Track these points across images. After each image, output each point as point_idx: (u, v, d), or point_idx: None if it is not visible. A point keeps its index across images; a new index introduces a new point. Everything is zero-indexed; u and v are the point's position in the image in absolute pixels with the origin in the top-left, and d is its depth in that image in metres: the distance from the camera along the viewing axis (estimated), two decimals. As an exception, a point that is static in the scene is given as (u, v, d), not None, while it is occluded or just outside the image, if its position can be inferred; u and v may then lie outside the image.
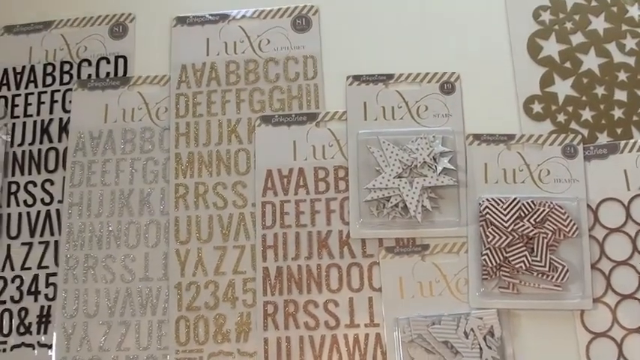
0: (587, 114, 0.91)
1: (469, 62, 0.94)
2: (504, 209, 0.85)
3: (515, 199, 0.86)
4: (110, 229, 0.91)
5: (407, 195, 0.87)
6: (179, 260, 0.89)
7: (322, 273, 0.87)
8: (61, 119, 0.96)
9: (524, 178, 0.88)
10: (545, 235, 0.84)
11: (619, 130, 0.91)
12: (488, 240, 0.85)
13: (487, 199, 0.86)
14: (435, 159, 0.88)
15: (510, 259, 0.84)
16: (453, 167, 0.88)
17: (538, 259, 0.84)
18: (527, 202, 0.86)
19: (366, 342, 0.85)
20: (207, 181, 0.92)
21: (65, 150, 0.95)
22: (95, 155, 0.94)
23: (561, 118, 0.91)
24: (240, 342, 0.86)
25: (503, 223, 0.84)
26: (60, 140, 0.95)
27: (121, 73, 0.97)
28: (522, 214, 0.85)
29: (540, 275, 0.84)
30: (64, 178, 0.94)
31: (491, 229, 0.85)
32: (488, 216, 0.85)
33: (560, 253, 0.86)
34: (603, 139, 0.90)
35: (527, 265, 0.84)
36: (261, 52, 0.96)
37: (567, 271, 0.84)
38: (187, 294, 0.88)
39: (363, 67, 0.94)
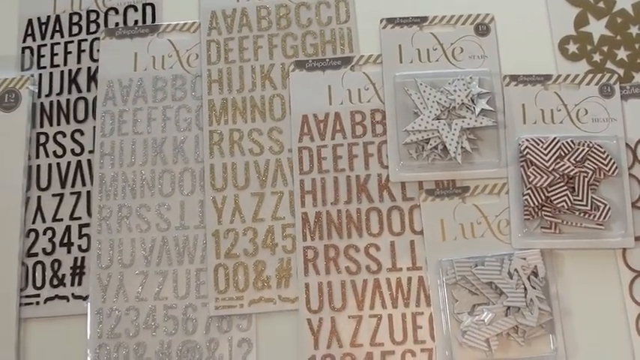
0: (622, 53, 0.88)
1: (503, 3, 0.91)
2: (544, 149, 0.82)
3: (555, 138, 0.83)
4: (144, 178, 0.87)
5: (446, 137, 0.83)
6: (216, 208, 0.85)
7: (362, 217, 0.84)
8: (89, 68, 0.92)
9: (562, 118, 0.85)
10: (585, 174, 0.81)
11: (655, 69, 0.87)
12: (530, 180, 0.81)
13: (527, 140, 0.83)
14: (472, 100, 0.85)
15: (552, 198, 0.81)
16: (491, 108, 0.85)
17: (580, 198, 0.81)
18: (567, 142, 0.82)
19: (409, 285, 0.82)
20: (241, 127, 0.88)
21: (94, 100, 0.90)
22: (126, 104, 0.89)
23: (597, 57, 0.88)
24: (282, 288, 0.83)
25: (544, 163, 0.81)
26: (89, 90, 0.91)
27: (149, 21, 0.93)
28: (562, 154, 0.82)
29: (582, 214, 0.81)
30: (94, 127, 0.89)
31: (533, 169, 0.82)
32: (528, 156, 0.82)
33: (601, 192, 0.83)
34: (638, 78, 0.87)
35: (569, 204, 0.81)
36: (293, -3, 0.92)
37: (609, 209, 0.81)
38: (225, 241, 0.84)
39: (397, 10, 0.90)
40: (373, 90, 0.87)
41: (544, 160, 0.81)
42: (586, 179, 0.81)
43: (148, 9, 0.93)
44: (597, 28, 0.89)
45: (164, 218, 0.86)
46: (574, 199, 0.81)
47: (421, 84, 0.85)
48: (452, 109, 0.85)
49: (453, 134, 0.84)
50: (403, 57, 0.88)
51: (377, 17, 0.90)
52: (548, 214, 0.82)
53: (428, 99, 0.85)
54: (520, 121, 0.85)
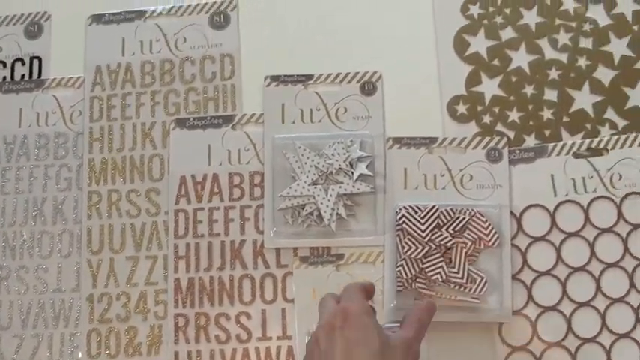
0: (514, 115, 0.82)
1: (393, 60, 0.85)
2: (422, 218, 0.77)
3: (434, 207, 0.78)
4: (23, 238, 0.84)
5: (321, 203, 0.79)
6: (91, 271, 0.83)
7: (235, 284, 0.81)
8: (-27, 124, 0.89)
9: (445, 184, 0.80)
10: (464, 245, 0.77)
11: (547, 132, 0.81)
12: (404, 250, 0.77)
13: (404, 208, 0.78)
14: (352, 165, 0.80)
15: (427, 270, 0.76)
16: (370, 173, 0.80)
17: (455, 270, 0.76)
18: (447, 210, 0.78)
19: (277, 355, 0.79)
20: (120, 188, 0.84)
21: (-22, 157, 0.87)
22: (9, 162, 0.87)
23: (487, 119, 0.82)
24: (152, 355, 0.80)
25: (420, 233, 0.77)
26: (-27, 146, 0.88)
27: (36, 74, 0.89)
28: (441, 223, 0.77)
29: (457, 287, 0.77)
30: (-21, 185, 0.87)
31: (408, 238, 0.77)
32: (404, 225, 0.77)
33: (481, 263, 0.78)
34: (531, 141, 0.81)
35: (444, 276, 0.76)
36: (178, 51, 0.88)
37: (486, 282, 0.76)
38: (99, 305, 0.82)
39: (283, 67, 0.85)
40: (254, 151, 0.83)
41: (420, 229, 0.77)
42: (464, 250, 0.77)
43: (35, 62, 0.89)
44: (490, 87, 0.83)
45: (42, 280, 0.83)
46: (449, 271, 0.76)
47: (299, 147, 0.81)
48: (330, 173, 0.80)
49: (329, 200, 0.79)
50: (285, 117, 0.83)
51: (262, 74, 0.85)
52: (422, 285, 0.77)
53: (305, 163, 0.80)
54: (401, 187, 0.80)
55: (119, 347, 0.81)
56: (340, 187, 0.80)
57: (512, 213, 0.79)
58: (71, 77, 0.88)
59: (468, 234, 0.77)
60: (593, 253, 0.78)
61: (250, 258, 0.81)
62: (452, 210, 0.78)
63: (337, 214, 0.79)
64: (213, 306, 0.80)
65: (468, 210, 0.78)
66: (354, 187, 0.80)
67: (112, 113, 0.86)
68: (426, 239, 0.76)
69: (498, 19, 0.85)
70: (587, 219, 0.79)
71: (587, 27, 0.84)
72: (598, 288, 0.77)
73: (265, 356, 0.79)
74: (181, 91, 0.86)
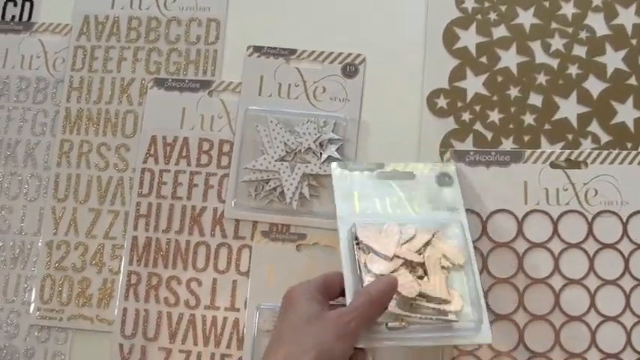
0: (494, 115, 0.78)
1: (379, 45, 0.81)
2: (385, 237, 0.67)
3: (393, 224, 0.68)
4: (-7, 178, 0.83)
5: (286, 180, 0.77)
6: (54, 217, 0.81)
7: (190, 249, 0.79)
8: (-41, 60, 0.88)
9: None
10: (437, 260, 0.67)
11: (526, 138, 0.77)
12: (368, 267, 0.65)
13: (362, 226, 0.67)
14: (322, 145, 0.77)
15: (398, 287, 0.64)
16: (338, 156, 0.77)
17: (432, 285, 0.65)
18: (408, 229, 0.68)
19: (223, 326, 0.77)
20: (92, 140, 0.83)
21: (-39, 92, 0.86)
22: (-11, 102, 0.85)
23: (466, 116, 0.78)
24: (101, 308, 0.79)
25: (386, 249, 0.66)
26: (-43, 81, 0.87)
27: (26, 17, 0.87)
28: (402, 240, 0.67)
29: (435, 304, 0.65)
30: (-45, 123, 0.86)
31: (372, 256, 0.66)
32: (366, 243, 0.67)
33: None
34: (508, 145, 0.77)
35: (416, 292, 0.64)
36: (166, 10, 0.85)
37: (461, 298, 0.66)
38: (57, 252, 0.81)
39: (268, 39, 0.82)
40: (227, 119, 0.81)
41: (386, 246, 0.66)
42: (438, 265, 0.67)
43: (27, 5, 0.88)
44: (474, 84, 0.79)
45: (5, 220, 0.82)
46: (425, 288, 0.65)
47: (272, 121, 0.78)
48: (298, 152, 0.77)
49: (294, 179, 0.77)
50: (263, 89, 0.81)
51: (246, 43, 0.82)
52: (392, 305, 0.64)
53: (275, 138, 0.78)
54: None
55: (70, 296, 0.80)
56: (307, 167, 0.77)
57: (478, 215, 0.75)
58: (59, 24, 0.87)
59: (434, 251, 0.67)
60: (557, 266, 0.74)
61: (209, 226, 0.79)
62: (414, 227, 0.68)
63: (300, 193, 0.77)
64: (166, 268, 0.79)
65: (430, 230, 0.68)
66: (320, 168, 0.77)
67: (94, 65, 0.85)
68: (392, 256, 0.66)
69: (492, 16, 0.80)
70: (555, 231, 0.75)
71: (583, 34, 0.79)
72: (556, 303, 0.73)
73: (211, 325, 0.77)
74: (164, 51, 0.84)
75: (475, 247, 0.74)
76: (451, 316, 0.65)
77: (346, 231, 0.67)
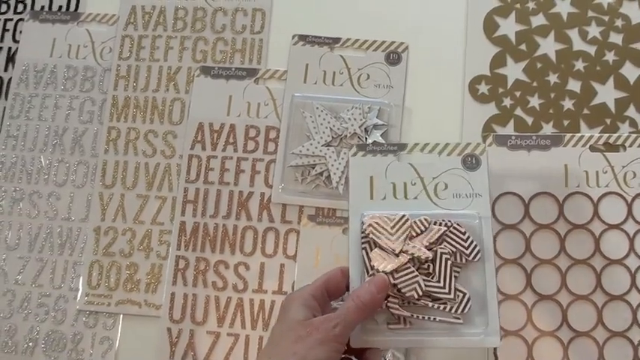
0: (534, 101, 0.79)
1: (421, 33, 0.82)
2: (392, 228, 0.63)
3: (403, 216, 0.64)
4: (41, 164, 0.83)
5: (332, 165, 0.77)
6: (101, 204, 0.81)
7: (238, 234, 0.79)
8: (10, 48, 0.88)
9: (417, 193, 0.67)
10: (448, 257, 0.63)
11: (566, 122, 0.78)
12: (372, 264, 0.63)
13: (371, 216, 0.64)
14: (367, 131, 0.78)
15: (399, 286, 0.62)
16: (383, 142, 0.77)
17: (440, 284, 0.63)
18: (420, 220, 0.64)
19: (271, 309, 0.77)
20: (139, 127, 0.83)
21: (10, 80, 0.86)
22: (37, 89, 0.86)
23: (507, 102, 0.79)
24: (149, 293, 0.79)
25: (391, 245, 0.63)
26: (6, 70, 0.87)
27: (73, 7, 0.88)
28: (414, 234, 0.64)
29: (438, 305, 0.63)
30: (4, 108, 0.85)
31: (377, 251, 0.63)
32: (372, 236, 0.63)
33: (461, 279, 0.64)
34: (548, 129, 0.78)
35: (420, 293, 0.62)
36: (212, 0, 0.85)
37: (469, 299, 0.63)
38: (105, 239, 0.81)
39: (312, 28, 0.83)
40: (273, 106, 0.81)
41: (390, 240, 0.63)
42: (449, 262, 0.63)
43: (74, -5, 0.88)
44: (514, 71, 0.80)
45: (53, 207, 0.82)
46: (431, 286, 0.62)
47: (317, 107, 0.79)
48: (344, 137, 0.78)
49: (340, 163, 0.77)
50: (308, 77, 0.81)
51: (291, 32, 0.83)
52: (394, 305, 0.62)
53: (321, 124, 0.78)
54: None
55: (118, 281, 0.79)
56: (353, 152, 0.77)
57: (520, 198, 0.76)
58: (106, 14, 0.87)
59: (445, 247, 0.64)
60: (597, 247, 0.74)
61: (256, 210, 0.79)
62: (425, 220, 0.64)
63: (346, 177, 0.77)
64: (214, 253, 0.78)
65: (444, 221, 0.64)
66: (366, 152, 0.77)
67: (141, 54, 0.85)
68: (398, 251, 0.63)
69: (531, 5, 0.81)
70: (595, 213, 0.75)
71: (619, 22, 0.80)
72: (598, 283, 0.74)
73: (258, 309, 0.77)
74: (210, 40, 0.84)
75: (517, 229, 0.75)
76: (455, 319, 0.62)
77: (357, 220, 0.64)
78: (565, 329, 0.73)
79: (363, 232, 0.64)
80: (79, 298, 0.79)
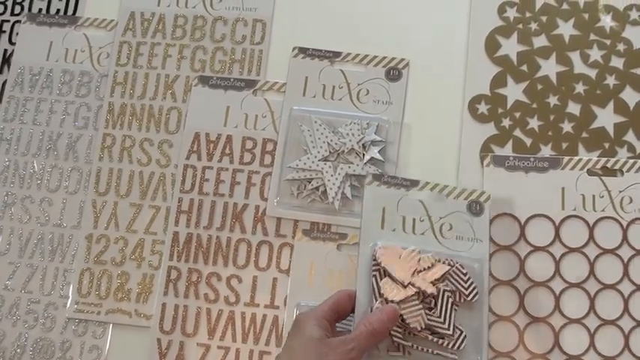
0: (534, 122, 0.77)
1: (422, 50, 0.80)
2: (403, 260, 0.66)
3: (414, 250, 0.67)
4: (34, 169, 0.80)
5: (328, 180, 0.74)
6: (94, 211, 0.78)
7: (231, 246, 0.76)
8: (5, 50, 0.85)
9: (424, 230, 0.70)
10: (450, 294, 0.66)
11: (564, 145, 0.76)
12: (381, 292, 0.65)
13: (383, 248, 0.66)
14: (364, 147, 0.75)
15: (405, 316, 0.64)
16: (381, 158, 0.75)
17: (441, 319, 0.65)
18: (428, 257, 0.66)
19: (263, 323, 0.74)
20: (135, 135, 0.80)
21: (4, 83, 0.83)
22: (32, 92, 0.83)
23: (506, 122, 0.77)
24: (140, 303, 0.76)
25: (401, 275, 0.65)
26: (1, 72, 0.84)
27: (71, 11, 0.85)
28: (420, 269, 0.66)
29: (437, 339, 0.65)
30: (-3, 111, 0.83)
31: (386, 281, 0.65)
32: (384, 265, 0.65)
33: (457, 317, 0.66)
34: (546, 151, 0.76)
35: (423, 325, 0.64)
36: (213, 9, 0.83)
37: (465, 337, 0.66)
38: (96, 246, 0.78)
39: (313, 41, 0.80)
40: (270, 118, 0.78)
41: (401, 272, 0.65)
42: (450, 299, 0.66)
43: (72, -1, 0.85)
44: (514, 91, 0.78)
45: (45, 213, 0.79)
46: (433, 320, 0.65)
47: (316, 121, 0.76)
48: (341, 152, 0.75)
49: (336, 179, 0.74)
50: (307, 90, 0.79)
51: (292, 44, 0.80)
52: (397, 334, 0.64)
53: (319, 138, 0.76)
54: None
55: (109, 290, 0.77)
56: (349, 167, 0.75)
57: (516, 219, 0.74)
58: (105, 19, 0.84)
59: (448, 284, 0.66)
60: (592, 271, 0.73)
61: (250, 223, 0.76)
62: (433, 257, 0.67)
63: (342, 193, 0.75)
64: (207, 264, 0.76)
65: (448, 260, 0.67)
66: (362, 168, 0.75)
67: (139, 60, 0.82)
68: (406, 283, 0.65)
69: (533, 26, 0.79)
70: (591, 236, 0.73)
71: (620, 47, 0.78)
72: (591, 307, 0.72)
73: (250, 322, 0.74)
74: (209, 49, 0.82)
75: (512, 251, 0.73)
76: (452, 354, 0.65)
77: (368, 247, 0.67)
78: (557, 352, 0.71)
79: (374, 260, 0.66)
80: (68, 305, 0.76)
